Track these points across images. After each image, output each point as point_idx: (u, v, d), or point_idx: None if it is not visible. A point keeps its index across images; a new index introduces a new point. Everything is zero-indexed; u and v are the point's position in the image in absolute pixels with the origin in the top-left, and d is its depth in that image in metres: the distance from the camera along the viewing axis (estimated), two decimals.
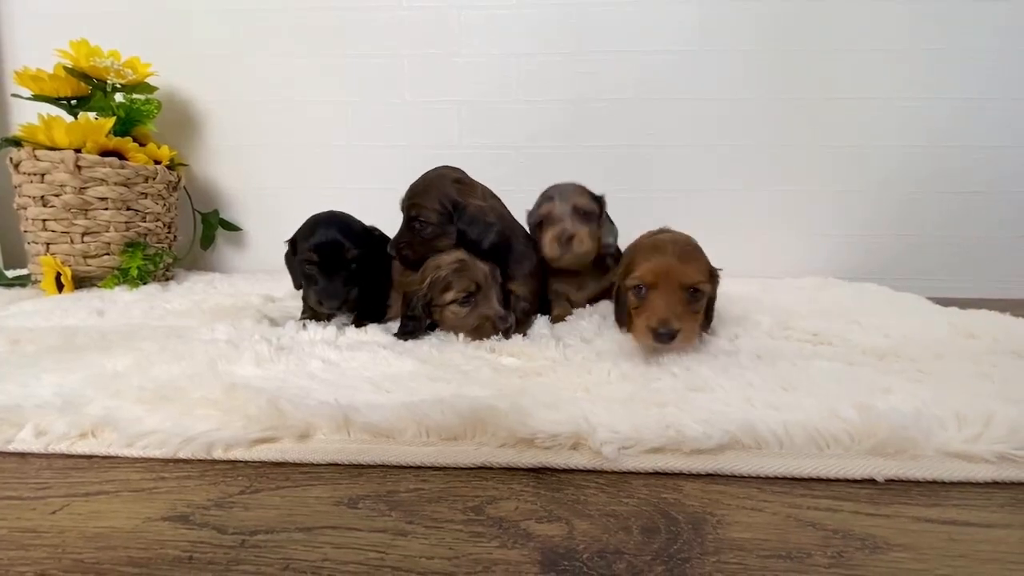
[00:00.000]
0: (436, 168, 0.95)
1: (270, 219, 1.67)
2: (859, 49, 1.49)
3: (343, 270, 0.90)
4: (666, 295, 0.72)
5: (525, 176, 1.56)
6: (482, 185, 0.98)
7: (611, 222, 1.05)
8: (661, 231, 0.84)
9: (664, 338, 0.69)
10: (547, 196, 1.01)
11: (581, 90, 1.56)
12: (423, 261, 0.90)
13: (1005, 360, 0.76)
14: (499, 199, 1.00)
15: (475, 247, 0.88)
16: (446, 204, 0.88)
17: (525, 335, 0.87)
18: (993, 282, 1.55)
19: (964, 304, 1.14)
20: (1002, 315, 1.03)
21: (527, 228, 1.04)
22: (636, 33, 1.53)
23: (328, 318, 0.95)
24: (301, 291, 0.99)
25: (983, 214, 1.54)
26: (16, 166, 1.26)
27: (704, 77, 1.54)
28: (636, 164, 1.58)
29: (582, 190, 1.01)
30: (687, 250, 0.76)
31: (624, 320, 0.80)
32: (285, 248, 0.97)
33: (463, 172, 0.97)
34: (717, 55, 1.52)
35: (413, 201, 0.90)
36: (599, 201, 1.02)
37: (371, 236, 0.96)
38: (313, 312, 0.95)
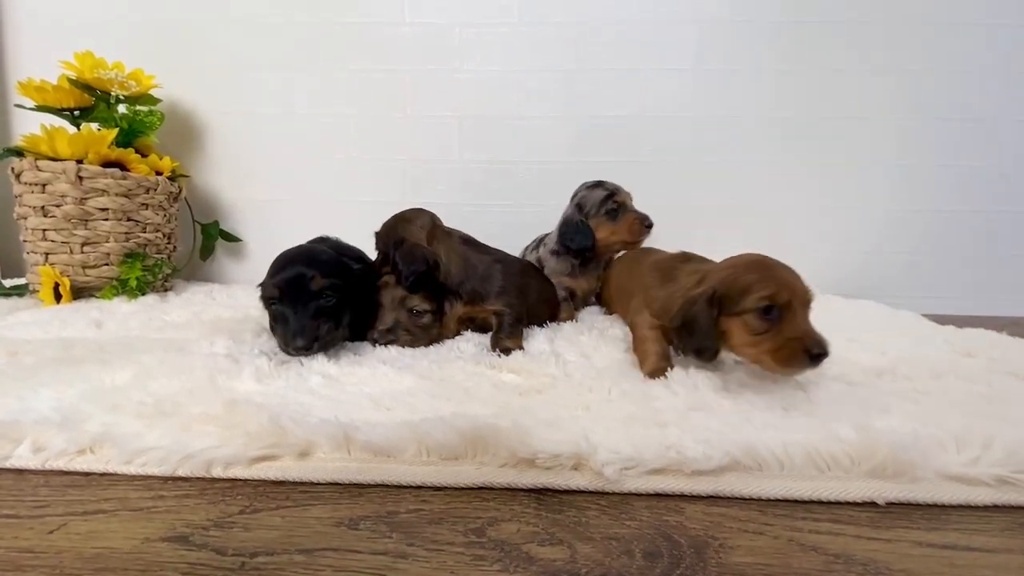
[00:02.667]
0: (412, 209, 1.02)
1: (270, 230, 1.67)
2: (856, 70, 1.52)
3: (311, 303, 0.80)
4: (803, 314, 0.66)
5: (523, 191, 1.58)
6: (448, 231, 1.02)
7: None
8: (689, 256, 0.92)
9: (820, 360, 0.63)
10: (616, 188, 1.23)
11: (580, 107, 1.58)
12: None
13: (1002, 380, 0.77)
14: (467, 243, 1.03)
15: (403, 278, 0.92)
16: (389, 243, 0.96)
17: (523, 348, 0.88)
18: (989, 300, 1.56)
19: (961, 322, 1.15)
20: (999, 334, 1.04)
21: (575, 217, 1.22)
22: (635, 51, 1.54)
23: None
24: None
25: (980, 232, 1.55)
26: (17, 176, 1.26)
27: (703, 95, 1.55)
28: (634, 180, 1.57)
29: None
30: (788, 267, 0.71)
31: (707, 346, 0.70)
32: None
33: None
34: (716, 74, 1.54)
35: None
36: None
37: (346, 265, 0.89)
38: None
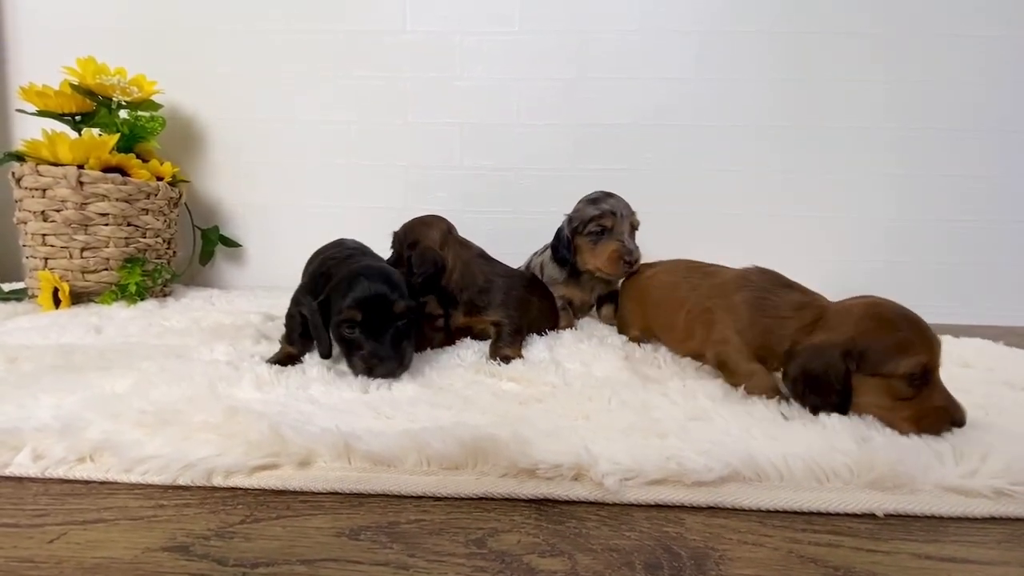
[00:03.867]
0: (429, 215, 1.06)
1: (270, 236, 1.67)
2: (854, 79, 1.53)
3: (392, 325, 0.76)
4: (938, 374, 0.60)
5: (524, 198, 1.59)
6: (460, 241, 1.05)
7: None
8: (775, 276, 0.76)
9: (961, 427, 0.58)
10: (610, 209, 1.09)
11: (580, 115, 1.59)
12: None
13: (999, 391, 0.77)
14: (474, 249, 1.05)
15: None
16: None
17: (522, 356, 0.89)
18: (985, 309, 1.57)
19: (957, 332, 1.15)
20: (995, 344, 1.04)
21: (564, 231, 1.15)
22: (635, 61, 1.56)
23: (285, 362, 0.81)
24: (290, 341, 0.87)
25: (975, 241, 1.56)
26: (18, 181, 1.27)
27: (701, 104, 1.57)
28: (633, 187, 1.58)
29: (631, 206, 1.14)
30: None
31: (835, 405, 0.62)
32: (294, 306, 0.85)
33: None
34: (715, 83, 1.56)
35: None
36: None
37: (411, 285, 0.85)
38: (286, 357, 0.83)
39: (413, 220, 1.05)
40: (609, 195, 1.14)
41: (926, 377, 0.60)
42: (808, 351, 0.64)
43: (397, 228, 1.06)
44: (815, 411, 0.62)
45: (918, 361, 0.59)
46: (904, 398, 0.60)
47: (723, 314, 0.76)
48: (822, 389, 0.62)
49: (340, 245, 0.99)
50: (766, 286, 0.75)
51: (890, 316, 0.63)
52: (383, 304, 0.74)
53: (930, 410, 0.59)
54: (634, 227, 1.13)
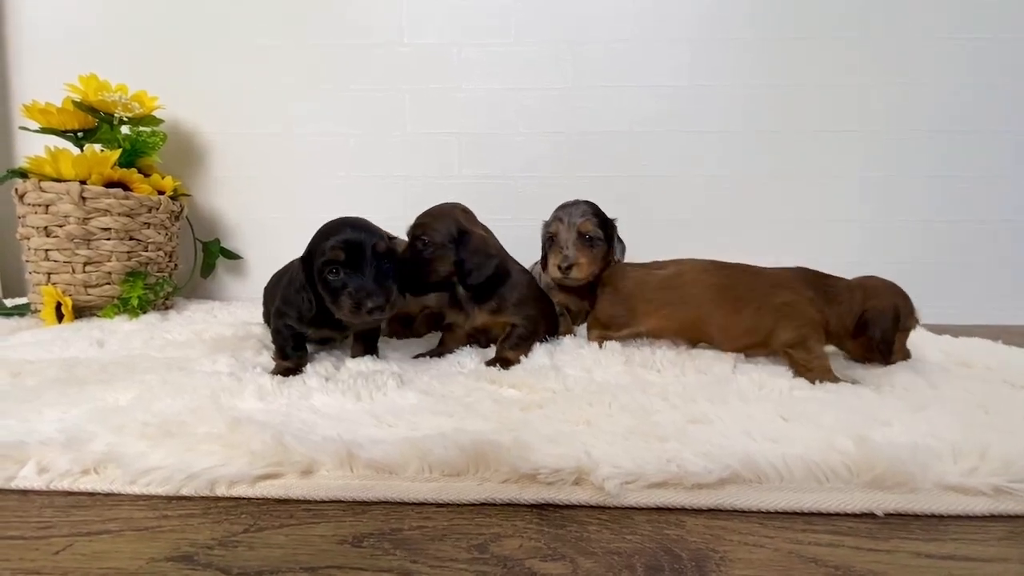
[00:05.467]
0: (447, 202, 0.98)
1: (270, 248, 1.68)
2: (847, 83, 1.55)
3: (374, 265, 0.76)
4: None
5: (522, 205, 1.60)
6: (482, 224, 1.00)
7: (620, 241, 1.14)
8: (806, 271, 0.96)
9: None
10: (557, 217, 1.09)
11: (577, 123, 1.61)
12: (420, 285, 0.90)
13: (998, 390, 0.78)
14: (495, 237, 1.02)
15: (467, 277, 0.89)
16: (452, 230, 0.91)
17: (525, 357, 0.90)
18: (983, 309, 1.57)
19: (956, 332, 1.16)
20: (995, 343, 1.05)
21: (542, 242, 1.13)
22: (629, 69, 1.58)
23: (296, 371, 0.82)
24: (283, 344, 0.86)
25: (973, 241, 1.57)
26: (21, 197, 1.28)
27: (696, 111, 1.58)
28: (630, 194, 1.61)
29: (591, 213, 1.08)
30: None
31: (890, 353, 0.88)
32: (278, 320, 0.85)
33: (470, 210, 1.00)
34: (708, 89, 1.57)
35: (421, 222, 0.93)
36: (606, 225, 1.10)
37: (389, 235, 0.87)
38: (285, 371, 0.82)
39: (453, 209, 0.94)
40: (569, 203, 1.11)
41: None
42: (879, 318, 0.87)
43: (430, 221, 0.93)
44: (883, 358, 0.89)
45: (914, 319, 0.89)
46: (901, 345, 0.91)
47: (804, 308, 0.90)
48: (892, 343, 0.87)
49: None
50: (818, 279, 0.94)
51: (901, 290, 0.91)
52: (364, 243, 0.75)
53: (908, 351, 0.93)
54: (583, 233, 1.06)
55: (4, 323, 1.25)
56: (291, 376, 0.80)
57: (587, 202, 1.11)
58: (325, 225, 0.81)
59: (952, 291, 1.58)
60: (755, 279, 0.95)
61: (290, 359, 0.85)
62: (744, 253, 1.59)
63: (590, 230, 1.07)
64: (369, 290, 0.73)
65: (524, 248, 1.43)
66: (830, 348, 0.93)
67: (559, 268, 1.05)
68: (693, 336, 1.00)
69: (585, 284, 1.09)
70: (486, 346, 1.00)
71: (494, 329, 0.97)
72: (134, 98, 1.40)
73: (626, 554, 0.42)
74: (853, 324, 0.89)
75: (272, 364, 0.87)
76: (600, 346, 0.97)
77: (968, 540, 0.45)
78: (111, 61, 1.53)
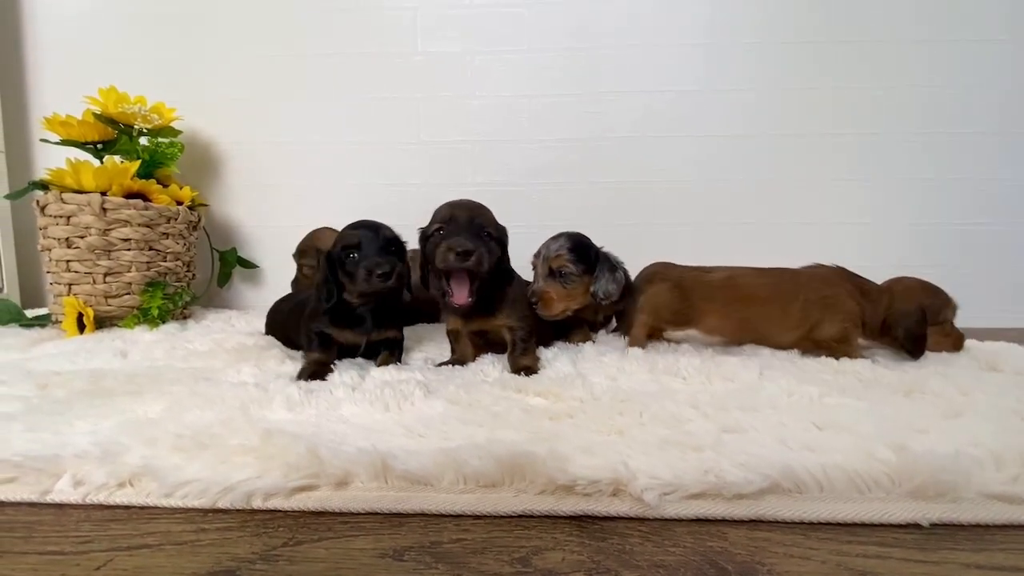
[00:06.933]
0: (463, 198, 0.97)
1: (286, 256, 1.68)
2: (856, 87, 1.54)
3: (383, 249, 0.91)
4: None
5: (535, 211, 1.60)
6: None
7: (611, 272, 1.09)
8: (843, 272, 1.06)
9: None
10: (537, 251, 1.12)
11: (588, 129, 1.61)
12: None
13: None
14: None
15: (501, 275, 0.95)
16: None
17: (537, 370, 0.90)
18: (1007, 312, 1.55)
19: (982, 335, 1.14)
20: (1020, 347, 1.03)
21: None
22: (641, 74, 1.58)
23: (317, 374, 0.87)
24: (312, 343, 0.95)
25: (996, 244, 1.56)
26: (42, 209, 1.29)
27: (707, 116, 1.58)
28: (641, 199, 1.61)
29: (566, 248, 1.07)
30: None
31: (923, 348, 0.96)
32: (307, 323, 0.95)
33: None
34: (720, 94, 1.57)
35: (480, 212, 0.93)
36: (589, 258, 1.08)
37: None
38: (316, 365, 0.89)
39: (471, 203, 0.94)
40: (553, 237, 1.12)
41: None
42: (902, 319, 0.96)
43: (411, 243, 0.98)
44: (920, 355, 0.96)
45: (950, 310, 0.99)
46: (946, 335, 1.00)
47: (845, 300, 1.00)
48: (920, 339, 0.95)
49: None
50: (854, 276, 1.04)
51: (932, 287, 1.00)
52: (375, 231, 0.92)
53: (959, 337, 1.03)
54: (554, 269, 1.07)
55: (26, 334, 1.26)
56: (318, 377, 0.85)
57: (568, 235, 1.10)
58: (346, 226, 0.97)
59: (974, 294, 1.56)
60: (797, 276, 1.05)
61: (318, 352, 0.94)
62: (757, 256, 1.59)
63: (561, 265, 1.06)
64: (378, 261, 0.88)
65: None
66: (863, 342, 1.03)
67: (530, 302, 1.05)
68: (747, 335, 1.08)
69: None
70: (484, 349, 1.01)
71: (491, 331, 0.98)
72: (153, 109, 1.41)
73: (671, 567, 0.42)
74: (880, 324, 0.99)
75: (295, 373, 0.88)
76: (643, 346, 1.01)
77: (1017, 551, 0.44)
78: (129, 73, 1.55)
